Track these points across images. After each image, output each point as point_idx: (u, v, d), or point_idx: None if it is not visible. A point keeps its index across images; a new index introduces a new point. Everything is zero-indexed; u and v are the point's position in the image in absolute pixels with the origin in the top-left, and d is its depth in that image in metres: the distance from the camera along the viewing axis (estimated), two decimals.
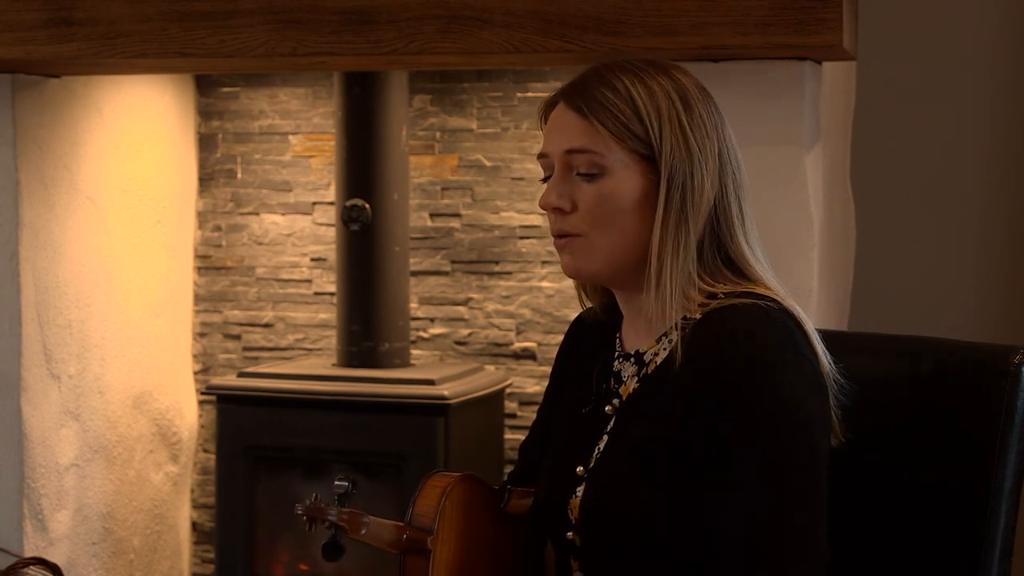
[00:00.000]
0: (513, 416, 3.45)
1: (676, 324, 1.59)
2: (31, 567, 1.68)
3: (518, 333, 3.45)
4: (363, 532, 1.64)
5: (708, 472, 1.52)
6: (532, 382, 3.44)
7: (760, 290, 1.61)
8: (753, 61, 2.53)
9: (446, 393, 3.08)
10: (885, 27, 3.25)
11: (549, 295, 3.41)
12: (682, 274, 1.60)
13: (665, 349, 1.62)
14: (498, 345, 3.46)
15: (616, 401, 1.68)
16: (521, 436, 3.43)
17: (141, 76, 3.40)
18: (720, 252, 1.63)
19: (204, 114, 3.64)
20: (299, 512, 1.64)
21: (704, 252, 1.62)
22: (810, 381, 1.56)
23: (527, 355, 3.44)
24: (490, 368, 3.43)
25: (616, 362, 1.71)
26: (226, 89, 3.61)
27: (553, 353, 3.41)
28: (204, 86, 3.63)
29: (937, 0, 3.32)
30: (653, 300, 1.61)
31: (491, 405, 3.30)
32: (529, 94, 3.40)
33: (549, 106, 1.69)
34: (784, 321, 1.58)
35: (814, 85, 2.62)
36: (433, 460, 3.06)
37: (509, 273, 3.44)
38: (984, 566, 1.65)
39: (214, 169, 3.64)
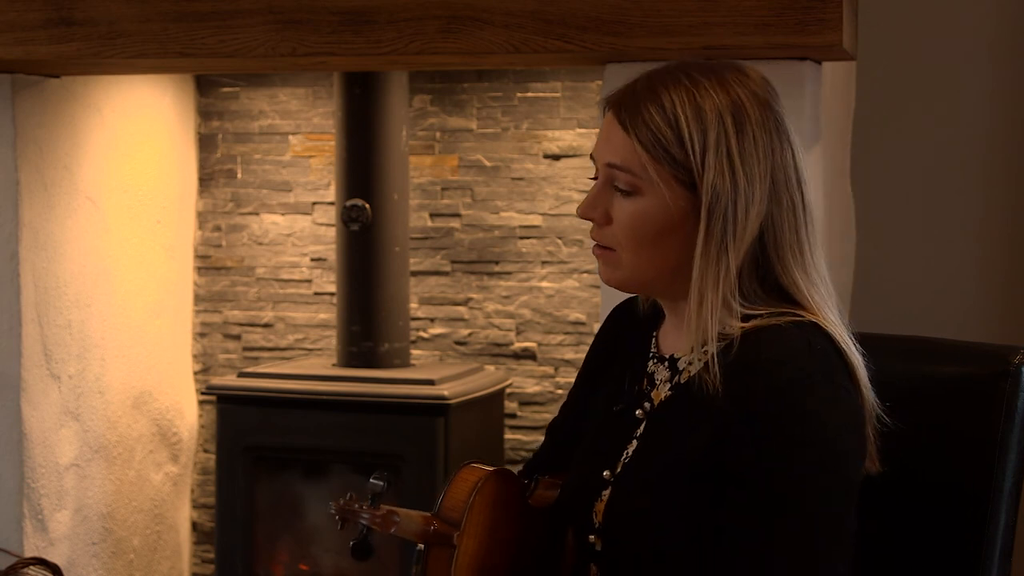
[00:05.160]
0: (513, 416, 3.44)
1: (713, 354, 1.55)
2: (31, 567, 1.68)
3: (518, 333, 3.44)
4: (393, 530, 1.64)
5: (735, 495, 1.51)
6: (532, 382, 3.44)
7: (803, 313, 1.57)
8: (753, 61, 2.52)
9: (446, 393, 3.08)
10: (885, 27, 3.25)
11: (549, 295, 3.41)
12: (722, 302, 1.56)
13: (700, 360, 1.58)
14: (498, 345, 3.46)
15: (647, 405, 1.66)
16: (521, 436, 3.43)
17: (141, 76, 3.40)
18: (765, 280, 1.58)
19: (204, 114, 3.64)
20: (332, 511, 1.64)
21: (742, 278, 1.57)
22: (845, 411, 1.53)
23: (527, 355, 3.44)
24: (490, 368, 3.43)
25: (651, 362, 1.69)
26: (226, 89, 3.61)
27: (553, 353, 3.43)
28: (204, 86, 3.63)
29: (937, 0, 3.32)
30: (692, 326, 1.57)
31: (491, 405, 3.30)
32: (529, 94, 3.40)
33: (606, 105, 1.64)
34: (825, 348, 1.54)
35: (814, 85, 2.62)
36: (433, 460, 3.06)
37: (509, 273, 3.44)
38: (984, 566, 1.65)
39: (214, 169, 3.64)
